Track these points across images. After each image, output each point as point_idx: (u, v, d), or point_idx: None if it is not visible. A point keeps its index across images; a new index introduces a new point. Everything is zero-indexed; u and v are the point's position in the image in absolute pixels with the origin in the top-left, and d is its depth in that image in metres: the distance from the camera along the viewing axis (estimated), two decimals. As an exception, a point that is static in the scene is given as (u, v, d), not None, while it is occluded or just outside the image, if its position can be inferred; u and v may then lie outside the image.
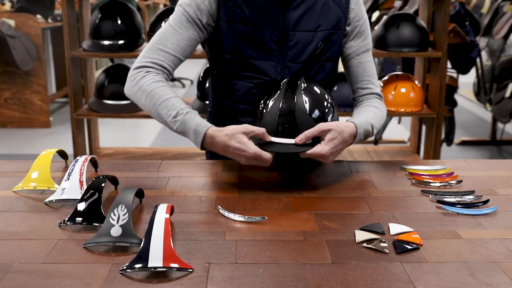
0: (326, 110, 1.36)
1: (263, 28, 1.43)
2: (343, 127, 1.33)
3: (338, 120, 1.39)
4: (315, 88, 1.39)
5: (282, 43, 1.45)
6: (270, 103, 1.36)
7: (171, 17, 1.46)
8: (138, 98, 1.39)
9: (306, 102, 1.33)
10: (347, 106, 2.82)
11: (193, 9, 1.43)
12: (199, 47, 2.84)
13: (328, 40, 1.47)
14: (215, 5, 1.44)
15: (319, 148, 1.30)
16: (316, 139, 1.31)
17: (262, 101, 1.39)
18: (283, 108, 1.33)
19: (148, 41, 2.85)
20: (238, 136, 1.28)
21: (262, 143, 1.31)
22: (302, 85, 1.36)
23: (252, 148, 1.27)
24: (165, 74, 1.42)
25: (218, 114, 1.59)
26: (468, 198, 1.27)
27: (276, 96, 1.36)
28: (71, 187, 1.24)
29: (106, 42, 2.76)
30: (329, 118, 1.36)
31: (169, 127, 1.36)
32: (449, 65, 3.60)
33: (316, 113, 1.34)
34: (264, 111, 1.36)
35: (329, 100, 1.39)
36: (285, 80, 1.40)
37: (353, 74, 1.55)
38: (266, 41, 1.44)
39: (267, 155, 1.28)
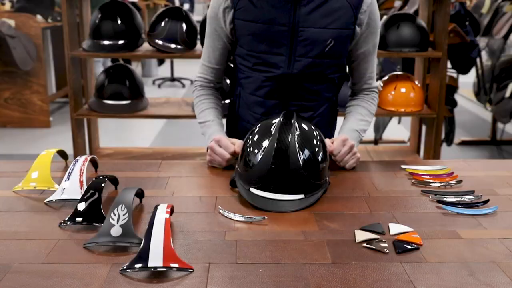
0: (319, 159, 1.26)
1: (274, 23, 1.48)
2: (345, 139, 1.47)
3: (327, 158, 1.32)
4: (306, 127, 1.29)
5: (292, 39, 1.48)
6: (259, 156, 1.23)
7: (206, 30, 1.63)
8: (194, 110, 1.68)
9: (300, 156, 1.21)
10: (347, 106, 2.82)
11: (214, 20, 1.57)
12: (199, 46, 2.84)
13: (338, 38, 1.49)
14: (229, 8, 1.51)
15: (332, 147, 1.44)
16: (304, 187, 1.23)
17: (250, 142, 1.27)
18: (274, 168, 1.21)
19: (148, 41, 2.86)
20: (221, 139, 1.46)
21: (259, 206, 1.21)
22: (296, 132, 1.25)
23: (219, 136, 1.47)
24: (211, 83, 1.67)
25: (236, 104, 1.66)
26: (468, 198, 1.27)
27: (267, 145, 1.23)
28: (71, 187, 1.24)
29: (106, 42, 2.76)
30: (319, 158, 1.26)
31: (200, 127, 1.61)
32: (449, 65, 3.59)
33: (310, 168, 1.23)
34: (255, 159, 1.23)
35: (319, 142, 1.28)
36: (276, 126, 1.26)
37: (358, 70, 1.63)
38: (276, 37, 1.48)
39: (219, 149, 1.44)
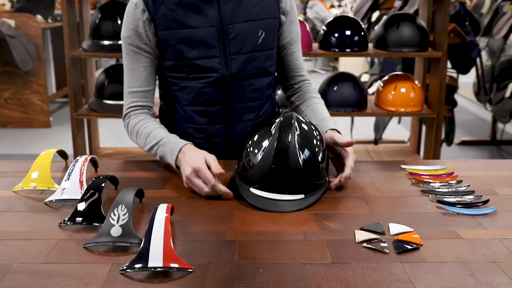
0: (319, 159, 1.26)
1: (201, 26, 1.44)
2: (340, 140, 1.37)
3: (327, 155, 1.32)
4: (306, 127, 1.28)
5: (223, 38, 1.46)
6: (259, 156, 1.22)
7: (123, 55, 1.51)
8: (136, 142, 1.49)
9: (300, 156, 1.21)
10: (347, 106, 2.83)
11: (133, 38, 1.46)
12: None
13: (268, 29, 1.50)
14: (149, 20, 1.44)
15: (346, 173, 1.32)
16: (304, 187, 1.23)
17: (250, 142, 1.27)
18: (275, 168, 1.20)
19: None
20: (201, 169, 1.24)
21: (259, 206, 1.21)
22: (296, 132, 1.24)
23: (197, 163, 1.25)
24: (145, 109, 1.52)
25: (171, 119, 1.58)
26: (468, 198, 1.27)
27: (266, 147, 1.22)
28: (71, 187, 1.24)
29: (106, 42, 2.76)
30: (319, 158, 1.26)
31: (155, 156, 1.43)
32: (449, 65, 3.60)
33: (310, 168, 1.23)
34: (255, 159, 1.23)
35: (319, 142, 1.28)
36: (276, 126, 1.24)
37: (288, 63, 1.62)
38: (206, 39, 1.45)
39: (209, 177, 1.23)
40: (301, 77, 1.65)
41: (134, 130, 1.48)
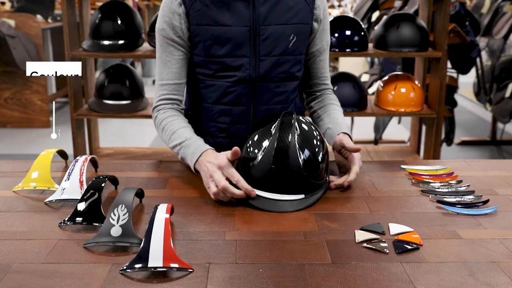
0: (319, 159, 1.26)
1: (234, 25, 1.44)
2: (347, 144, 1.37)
3: (328, 154, 1.31)
4: (306, 127, 1.28)
5: (254, 39, 1.46)
6: (259, 156, 1.22)
7: (156, 48, 1.53)
8: (161, 137, 1.50)
9: (300, 156, 1.21)
10: (347, 106, 2.83)
11: (168, 31, 1.48)
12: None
13: (299, 34, 1.50)
14: (184, 14, 1.45)
15: (351, 177, 1.32)
16: (304, 187, 1.23)
17: (250, 142, 1.27)
18: (274, 169, 1.21)
19: (147, 41, 2.85)
20: (226, 165, 1.23)
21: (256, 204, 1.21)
22: (296, 132, 1.24)
23: (222, 180, 1.21)
24: (175, 103, 1.52)
25: (195, 117, 1.59)
26: (468, 198, 1.27)
27: (267, 147, 1.22)
28: (71, 187, 1.24)
29: (106, 42, 2.76)
30: (319, 158, 1.26)
31: (177, 155, 1.42)
32: (449, 65, 3.59)
33: (310, 168, 1.23)
34: (255, 160, 1.23)
35: (319, 142, 1.28)
36: (276, 126, 1.25)
37: (314, 70, 1.62)
38: (237, 38, 1.45)
39: (239, 191, 1.21)
40: (324, 85, 1.65)
41: (160, 126, 1.48)
